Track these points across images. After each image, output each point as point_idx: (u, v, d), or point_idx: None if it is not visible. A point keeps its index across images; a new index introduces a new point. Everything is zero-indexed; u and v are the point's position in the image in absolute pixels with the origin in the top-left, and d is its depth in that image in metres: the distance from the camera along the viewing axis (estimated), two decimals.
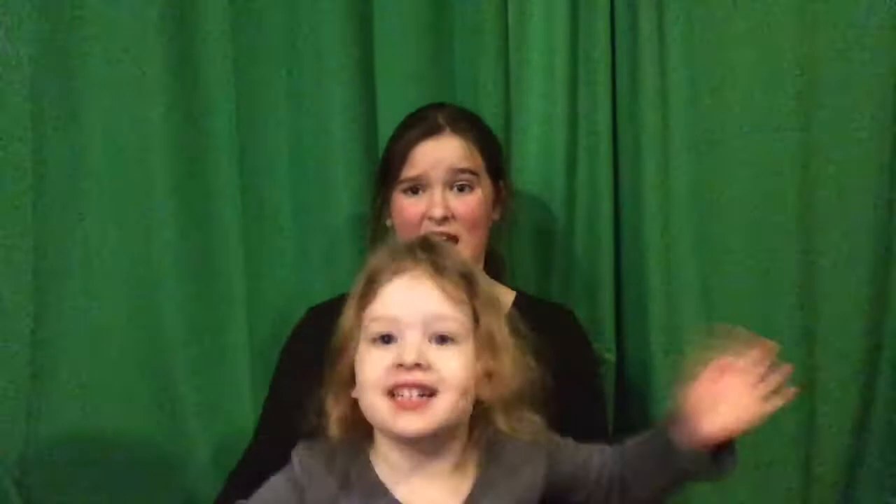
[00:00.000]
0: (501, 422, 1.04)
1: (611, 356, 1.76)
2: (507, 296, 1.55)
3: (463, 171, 1.51)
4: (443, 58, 1.79)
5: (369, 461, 1.05)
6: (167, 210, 1.70)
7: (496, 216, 1.58)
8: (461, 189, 1.51)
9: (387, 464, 1.05)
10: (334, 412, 1.04)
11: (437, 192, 1.50)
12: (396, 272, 1.04)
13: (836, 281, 1.73)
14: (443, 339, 1.02)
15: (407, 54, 1.77)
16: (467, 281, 1.05)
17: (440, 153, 1.51)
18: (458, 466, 1.05)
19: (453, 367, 1.01)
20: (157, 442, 1.70)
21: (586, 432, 1.23)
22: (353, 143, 1.72)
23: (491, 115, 1.76)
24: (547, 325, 1.46)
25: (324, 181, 1.74)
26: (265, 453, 1.45)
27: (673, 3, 1.72)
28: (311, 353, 1.18)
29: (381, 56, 1.76)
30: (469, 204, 1.51)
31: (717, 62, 1.72)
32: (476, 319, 1.04)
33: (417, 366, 0.99)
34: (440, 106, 1.58)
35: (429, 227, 1.48)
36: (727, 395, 1.07)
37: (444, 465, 1.04)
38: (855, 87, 1.71)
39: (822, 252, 1.72)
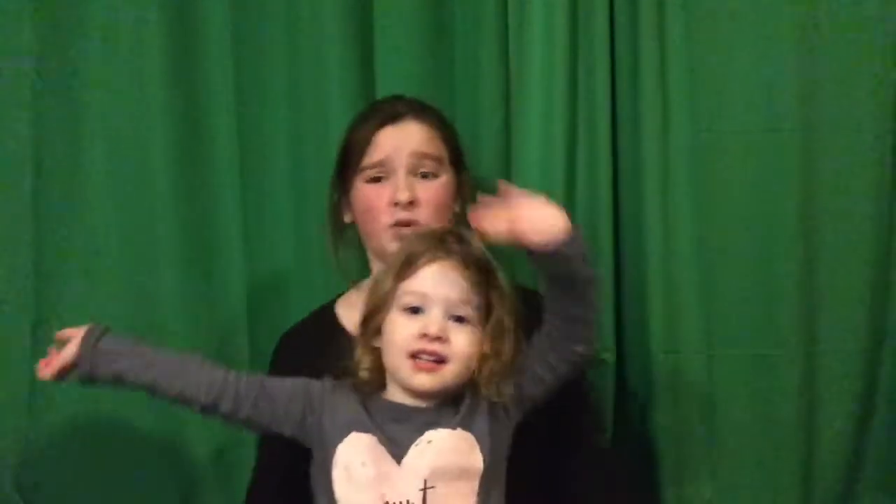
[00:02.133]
0: (484, 388, 1.25)
1: (610, 356, 1.76)
2: None
3: (426, 156, 1.50)
4: (443, 58, 1.79)
5: (382, 396, 1.28)
6: (167, 210, 1.71)
7: (457, 208, 1.56)
8: (424, 176, 1.50)
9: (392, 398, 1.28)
10: (365, 360, 1.28)
11: (401, 177, 1.49)
12: (432, 258, 1.25)
13: (836, 281, 1.73)
14: (459, 319, 1.25)
15: (407, 54, 1.77)
16: (487, 274, 1.27)
17: (403, 138, 1.51)
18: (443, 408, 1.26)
19: (464, 343, 1.24)
20: (157, 442, 1.70)
21: (568, 403, 1.33)
22: None
23: (491, 117, 1.77)
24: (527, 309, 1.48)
25: (324, 181, 1.73)
26: (268, 480, 1.50)
27: (673, 3, 1.72)
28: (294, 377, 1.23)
29: (381, 56, 1.76)
30: (433, 189, 1.50)
31: (717, 62, 1.72)
32: (489, 306, 1.26)
33: (438, 338, 1.23)
34: (399, 97, 1.58)
35: (394, 214, 1.47)
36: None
37: (429, 404, 1.26)
38: (855, 86, 1.71)
39: (822, 252, 1.72)
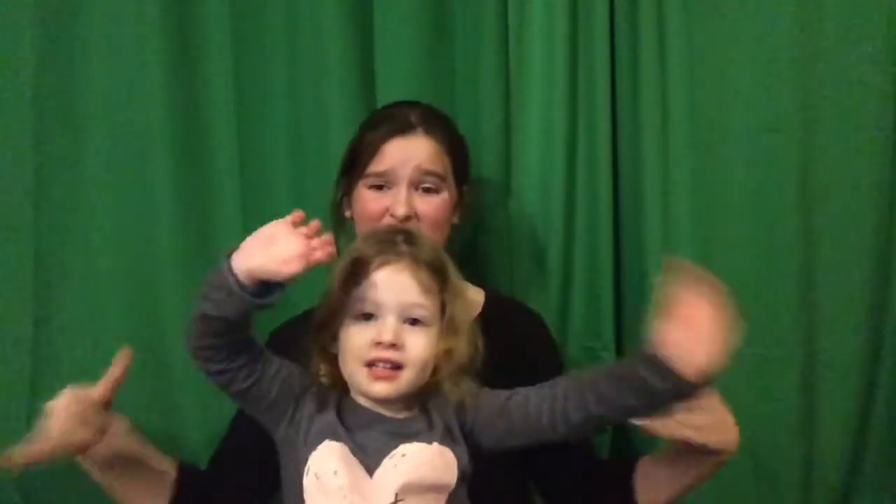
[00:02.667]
0: (446, 387, 1.24)
1: (610, 356, 1.76)
2: (478, 295, 1.57)
3: (430, 173, 1.51)
4: (443, 58, 1.79)
5: (349, 397, 1.26)
6: (167, 210, 1.70)
7: (455, 219, 1.58)
8: (426, 190, 1.52)
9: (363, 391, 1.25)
10: (323, 367, 1.26)
11: (402, 191, 1.50)
12: (382, 262, 1.23)
13: (836, 281, 1.73)
14: (414, 322, 1.23)
15: (407, 54, 1.77)
16: (440, 274, 1.25)
17: (410, 152, 1.51)
18: (406, 406, 1.25)
19: (420, 346, 1.22)
20: (157, 441, 1.69)
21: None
22: None
23: (491, 116, 1.77)
24: (517, 326, 1.48)
25: (324, 181, 1.74)
26: (222, 476, 1.55)
27: (673, 3, 1.72)
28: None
29: (381, 56, 1.76)
30: (432, 205, 1.51)
31: (717, 62, 1.72)
32: (443, 306, 1.24)
33: (392, 345, 1.20)
34: (413, 104, 1.59)
35: (391, 224, 1.48)
36: (698, 329, 1.17)
37: (397, 412, 1.24)
38: (855, 86, 1.71)
39: (822, 252, 1.72)
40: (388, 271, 1.22)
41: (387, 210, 1.50)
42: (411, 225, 1.48)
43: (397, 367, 1.21)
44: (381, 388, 1.21)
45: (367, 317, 1.22)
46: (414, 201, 1.50)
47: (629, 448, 1.76)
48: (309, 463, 1.20)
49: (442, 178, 1.53)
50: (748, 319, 1.71)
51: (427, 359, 1.22)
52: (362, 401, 1.24)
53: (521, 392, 1.25)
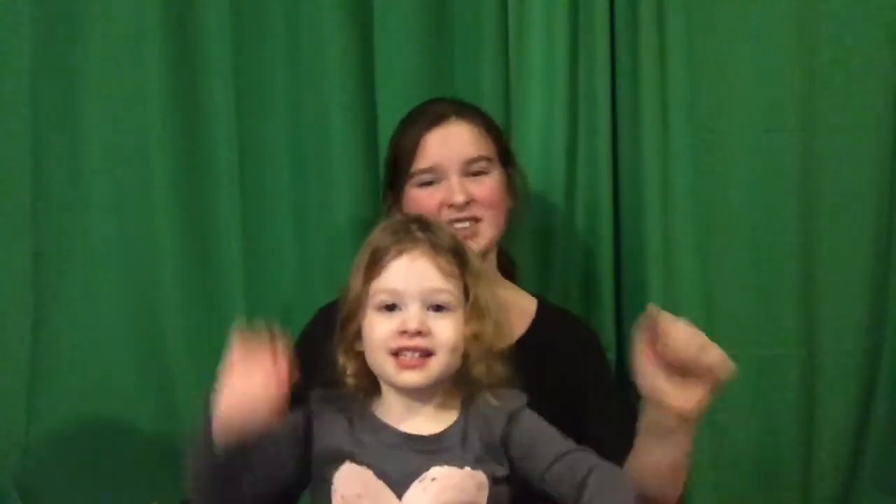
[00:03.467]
0: (478, 371, 1.21)
1: (610, 356, 1.76)
2: (529, 303, 1.54)
3: (476, 158, 1.48)
4: (443, 58, 1.79)
5: (371, 408, 1.24)
6: (167, 210, 1.71)
7: (511, 203, 1.55)
8: (476, 174, 1.48)
9: (386, 408, 1.23)
10: (349, 366, 1.23)
11: (453, 180, 1.47)
12: (399, 251, 1.20)
13: (836, 281, 1.73)
14: (439, 308, 1.19)
15: (407, 54, 1.77)
16: (459, 257, 1.22)
17: (450, 141, 1.48)
18: (442, 405, 1.22)
19: (447, 331, 1.19)
20: (157, 442, 1.70)
21: (605, 449, 1.23)
22: (353, 143, 1.72)
23: (491, 115, 1.76)
24: (569, 341, 1.47)
25: (324, 181, 1.74)
26: None
27: (673, 3, 1.72)
28: (322, 353, 1.22)
29: (381, 56, 1.76)
30: (487, 187, 1.48)
31: (718, 62, 1.72)
32: (466, 289, 1.21)
33: (418, 333, 1.17)
34: (440, 99, 1.57)
35: (450, 215, 1.45)
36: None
37: (431, 405, 1.22)
38: (855, 86, 1.71)
39: (822, 252, 1.72)
40: (406, 259, 1.20)
41: (442, 203, 1.46)
42: (470, 211, 1.45)
43: (426, 353, 1.18)
44: (411, 378, 1.18)
45: (391, 308, 1.19)
46: (468, 187, 1.47)
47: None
48: (334, 484, 1.18)
49: (488, 159, 1.50)
50: (748, 319, 1.73)
51: (456, 342, 1.19)
52: (393, 406, 1.21)
53: (566, 462, 1.19)
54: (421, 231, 1.22)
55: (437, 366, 1.19)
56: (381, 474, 1.16)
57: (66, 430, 1.66)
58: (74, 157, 1.69)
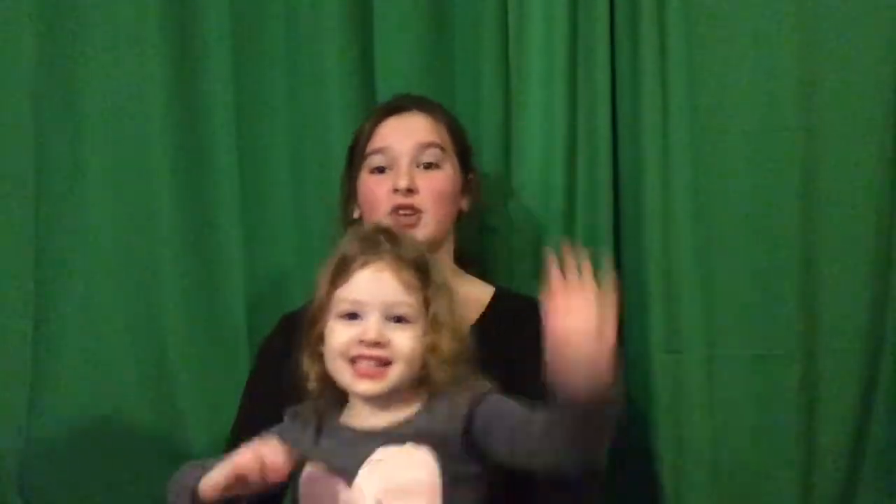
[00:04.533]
0: (438, 379, 1.24)
1: None
2: (484, 293, 1.57)
3: (429, 144, 1.51)
4: (443, 58, 1.79)
5: (338, 415, 1.28)
6: (167, 210, 1.71)
7: (464, 206, 1.57)
8: (427, 166, 1.51)
9: (352, 412, 1.27)
10: (312, 371, 1.27)
11: (403, 165, 1.49)
12: (364, 263, 1.24)
13: (836, 281, 1.72)
14: (399, 319, 1.23)
15: (407, 54, 1.77)
16: (422, 271, 1.26)
17: (405, 126, 1.52)
18: (406, 403, 1.26)
19: (405, 342, 1.23)
20: (157, 441, 1.70)
21: None
22: None
23: (491, 115, 1.76)
24: (523, 318, 1.47)
25: (324, 181, 1.74)
26: (249, 425, 1.49)
27: (673, 4, 1.71)
28: (282, 365, 1.25)
29: (381, 56, 1.76)
30: (435, 179, 1.51)
31: (717, 62, 1.72)
32: (427, 302, 1.25)
33: (377, 343, 1.22)
34: (409, 94, 1.60)
35: (395, 201, 1.48)
36: (573, 349, 1.10)
37: (394, 405, 1.25)
38: (855, 86, 1.70)
39: (822, 252, 1.72)
40: (370, 271, 1.24)
41: (390, 189, 1.49)
42: (413, 199, 1.47)
43: (384, 363, 1.22)
44: (367, 387, 1.22)
45: (352, 316, 1.24)
46: (415, 176, 1.49)
47: (627, 448, 1.76)
48: (300, 488, 1.24)
49: (442, 148, 1.52)
50: (748, 319, 1.73)
51: (413, 353, 1.23)
52: (355, 419, 1.25)
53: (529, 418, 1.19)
54: (388, 242, 1.26)
55: (393, 375, 1.23)
56: (333, 468, 1.21)
57: (66, 430, 1.66)
58: (75, 157, 1.69)
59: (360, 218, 1.57)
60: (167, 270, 1.71)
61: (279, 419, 1.30)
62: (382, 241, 1.26)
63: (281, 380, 1.33)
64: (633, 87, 1.74)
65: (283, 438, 1.21)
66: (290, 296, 1.74)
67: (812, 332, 1.72)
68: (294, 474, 1.22)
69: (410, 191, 1.48)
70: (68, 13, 1.68)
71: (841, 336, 1.73)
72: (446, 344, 1.25)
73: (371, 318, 1.22)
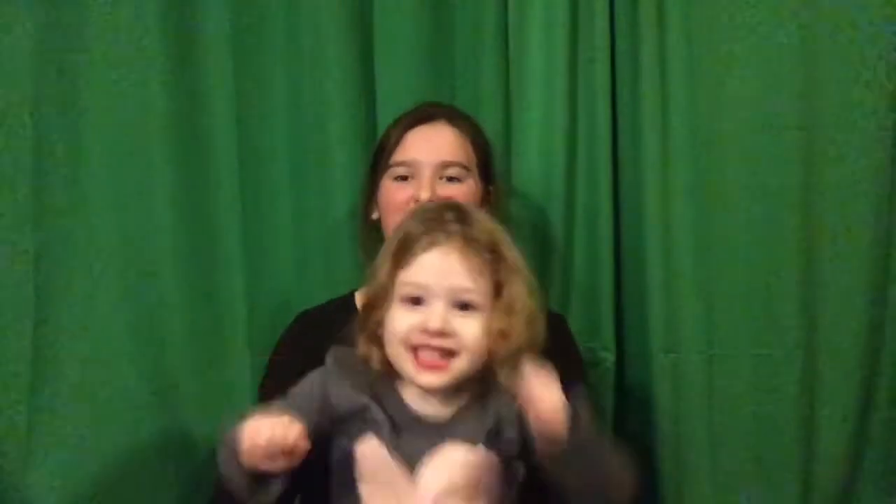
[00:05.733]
0: (502, 375, 1.16)
1: (610, 356, 1.76)
2: None
3: (453, 163, 1.51)
4: (443, 58, 1.79)
5: (395, 385, 1.20)
6: (167, 210, 1.70)
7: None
8: (450, 180, 1.51)
9: (409, 390, 1.20)
10: (373, 354, 1.19)
11: (425, 177, 1.50)
12: (430, 243, 1.16)
13: (836, 280, 1.72)
14: (465, 307, 1.15)
15: (407, 54, 1.77)
16: (493, 253, 1.17)
17: (433, 140, 1.52)
18: (466, 395, 1.19)
19: (472, 332, 1.15)
20: (157, 442, 1.70)
21: None
22: (353, 142, 1.72)
23: (491, 116, 1.76)
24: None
25: (323, 180, 1.74)
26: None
27: (673, 3, 1.71)
28: (300, 363, 1.23)
29: (381, 55, 1.76)
30: (457, 192, 1.50)
31: (718, 62, 1.72)
32: (498, 287, 1.17)
33: (441, 333, 1.14)
34: (439, 104, 1.61)
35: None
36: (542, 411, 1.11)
37: (458, 395, 1.19)
38: (855, 86, 1.70)
39: (822, 252, 1.72)
40: (436, 253, 1.15)
41: (410, 198, 1.49)
42: (454, 202, 1.42)
43: (449, 353, 1.15)
44: (429, 380, 1.15)
45: (415, 300, 1.16)
46: (436, 189, 1.50)
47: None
48: (357, 456, 1.17)
49: (465, 168, 1.53)
50: (748, 319, 1.73)
51: (481, 343, 1.15)
52: (409, 395, 1.19)
53: None
54: (456, 222, 1.17)
55: (458, 368, 1.16)
56: (396, 453, 1.15)
57: (66, 430, 1.66)
58: (74, 157, 1.69)
59: (379, 220, 1.57)
60: (167, 270, 1.71)
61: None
62: (450, 220, 1.17)
63: (297, 378, 1.30)
64: (633, 87, 1.74)
65: (329, 387, 1.17)
66: (289, 294, 1.74)
67: (812, 332, 1.72)
68: (345, 431, 1.17)
69: (431, 202, 1.47)
70: (68, 13, 1.67)
71: (841, 336, 1.73)
72: (517, 332, 1.16)
73: (436, 305, 1.14)
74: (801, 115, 1.71)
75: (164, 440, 1.69)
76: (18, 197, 1.66)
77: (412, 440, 1.16)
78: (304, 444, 1.10)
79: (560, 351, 1.52)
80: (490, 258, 1.17)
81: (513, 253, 1.20)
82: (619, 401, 1.77)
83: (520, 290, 1.18)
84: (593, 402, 1.57)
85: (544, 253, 1.78)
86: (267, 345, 1.62)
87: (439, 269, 1.15)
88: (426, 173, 1.50)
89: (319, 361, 1.24)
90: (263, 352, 1.64)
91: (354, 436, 1.17)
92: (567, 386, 1.46)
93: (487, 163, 1.58)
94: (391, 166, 1.53)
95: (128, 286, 1.70)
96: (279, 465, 1.11)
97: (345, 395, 1.18)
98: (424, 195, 1.48)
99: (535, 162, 1.76)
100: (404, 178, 1.52)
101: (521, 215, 1.77)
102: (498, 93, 1.77)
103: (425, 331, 1.15)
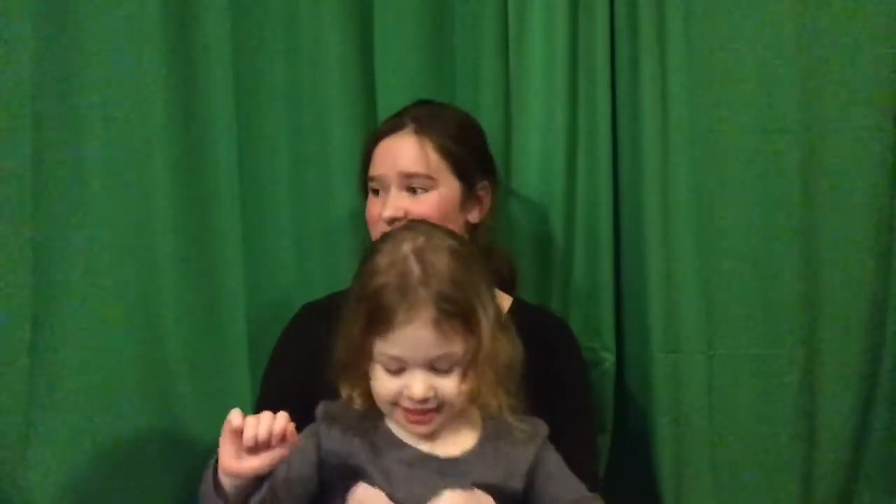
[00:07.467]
0: (493, 404, 1.23)
1: (610, 356, 1.76)
2: (503, 302, 1.55)
3: (415, 175, 1.51)
4: (443, 57, 1.79)
5: (386, 423, 1.25)
6: (167, 210, 1.70)
7: (473, 218, 1.57)
8: (414, 191, 1.51)
9: (401, 427, 1.25)
10: (356, 392, 1.24)
11: (392, 193, 1.51)
12: (406, 319, 1.17)
13: (836, 281, 1.73)
14: (444, 370, 1.20)
15: (407, 54, 1.77)
16: (468, 318, 1.20)
17: (395, 153, 1.52)
18: (462, 425, 1.25)
19: (452, 389, 1.20)
20: (157, 441, 1.70)
21: (572, 444, 1.30)
22: (353, 142, 1.72)
23: (491, 116, 1.76)
24: (540, 332, 1.47)
25: (323, 180, 1.74)
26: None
27: (673, 3, 1.71)
28: (304, 351, 1.23)
29: (381, 55, 1.76)
30: (425, 204, 1.50)
31: (718, 62, 1.72)
32: (473, 336, 1.20)
33: (423, 400, 1.19)
34: (424, 102, 1.60)
35: (384, 228, 1.47)
36: None
37: (450, 433, 1.25)
38: (855, 87, 1.71)
39: (822, 252, 1.72)
40: (411, 329, 1.18)
41: (380, 214, 1.51)
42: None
43: (433, 409, 1.21)
44: (419, 429, 1.22)
45: (396, 370, 1.20)
46: (402, 202, 1.50)
47: (627, 448, 1.76)
48: (348, 502, 1.21)
49: (429, 177, 1.51)
50: (748, 319, 1.73)
51: (461, 394, 1.21)
52: (403, 433, 1.24)
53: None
54: (424, 286, 1.18)
55: (443, 418, 1.22)
56: (393, 498, 1.18)
57: (65, 430, 1.66)
58: (75, 157, 1.69)
59: None
60: (167, 270, 1.70)
61: (300, 406, 1.24)
62: (418, 286, 1.18)
63: (302, 367, 1.32)
64: (633, 88, 1.74)
65: (323, 443, 1.21)
66: (289, 293, 1.74)
67: (812, 332, 1.73)
68: (338, 482, 1.21)
69: (396, 219, 1.48)
70: (67, 12, 1.67)
71: (841, 336, 1.73)
72: (493, 372, 1.22)
73: (416, 375, 1.19)
74: (801, 115, 1.71)
75: (163, 439, 1.69)
76: (19, 196, 1.66)
77: (411, 482, 1.20)
78: (293, 430, 1.15)
79: (563, 358, 1.53)
80: (460, 316, 1.19)
81: (486, 309, 1.22)
82: (619, 401, 1.77)
83: (498, 340, 1.22)
84: (593, 403, 1.60)
85: (544, 253, 1.78)
86: (267, 344, 1.62)
87: (416, 343, 1.18)
88: (392, 188, 1.51)
89: (323, 351, 1.25)
90: (263, 351, 1.64)
91: (348, 484, 1.21)
92: (569, 393, 1.47)
93: (468, 162, 1.55)
94: (368, 180, 1.56)
95: (127, 286, 1.70)
96: (275, 454, 1.15)
97: (340, 445, 1.22)
98: (387, 213, 1.49)
99: (535, 162, 1.76)
100: (376, 192, 1.54)
101: (521, 215, 1.78)
102: (498, 92, 1.77)
103: (410, 398, 1.19)
